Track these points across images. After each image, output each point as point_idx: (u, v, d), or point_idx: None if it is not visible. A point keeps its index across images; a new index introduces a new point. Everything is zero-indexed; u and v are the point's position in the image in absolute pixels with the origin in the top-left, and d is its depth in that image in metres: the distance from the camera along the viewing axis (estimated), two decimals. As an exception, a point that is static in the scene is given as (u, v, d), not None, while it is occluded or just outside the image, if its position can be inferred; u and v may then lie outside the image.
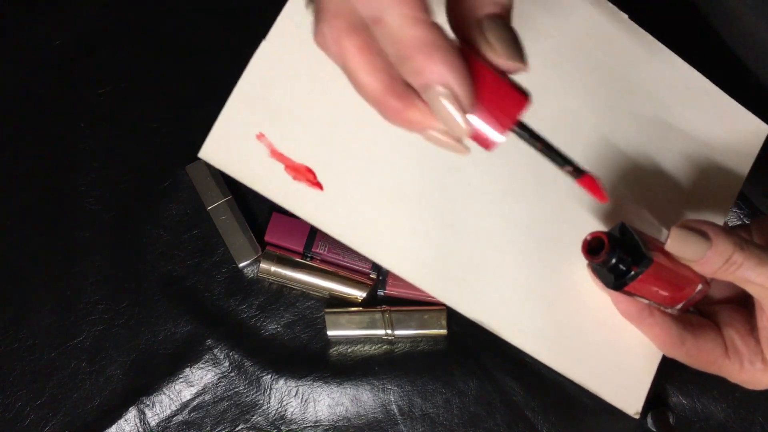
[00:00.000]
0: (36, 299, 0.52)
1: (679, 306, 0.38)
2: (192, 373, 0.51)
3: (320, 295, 0.53)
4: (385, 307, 0.52)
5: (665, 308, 0.38)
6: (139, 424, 0.50)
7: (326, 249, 0.53)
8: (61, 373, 0.50)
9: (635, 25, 0.44)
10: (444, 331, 0.51)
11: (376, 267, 0.52)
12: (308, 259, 0.53)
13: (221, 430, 0.50)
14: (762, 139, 0.45)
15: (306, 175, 0.36)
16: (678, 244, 0.34)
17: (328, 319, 0.51)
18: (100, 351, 0.51)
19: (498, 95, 0.27)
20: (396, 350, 0.52)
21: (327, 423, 0.51)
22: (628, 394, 0.41)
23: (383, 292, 0.53)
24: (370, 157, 0.38)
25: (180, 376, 0.51)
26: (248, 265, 0.53)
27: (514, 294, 0.40)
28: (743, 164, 0.44)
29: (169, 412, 0.50)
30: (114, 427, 0.50)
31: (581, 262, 0.40)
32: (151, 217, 0.54)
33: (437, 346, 0.52)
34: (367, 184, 0.38)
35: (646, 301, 0.38)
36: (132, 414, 0.50)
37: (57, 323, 0.51)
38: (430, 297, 0.52)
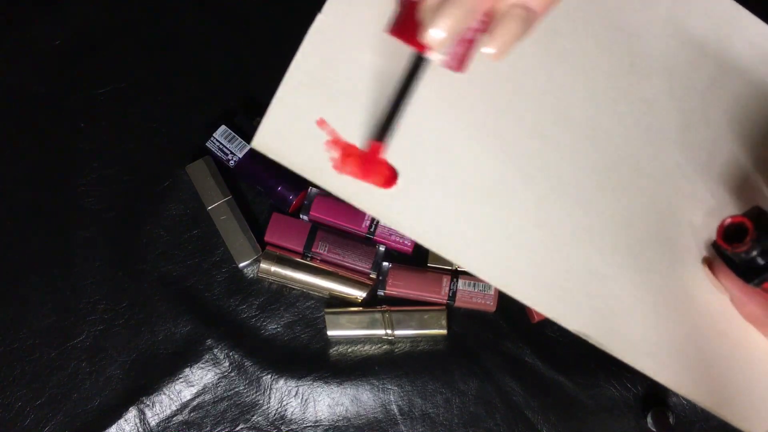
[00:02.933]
0: (36, 299, 0.52)
1: None
2: (192, 373, 0.51)
3: (320, 295, 0.53)
4: (385, 307, 0.52)
5: None
6: (139, 424, 0.50)
7: (326, 249, 0.53)
8: (61, 373, 0.50)
9: None
10: (444, 331, 0.51)
11: (376, 267, 0.52)
12: (308, 259, 0.53)
13: (221, 430, 0.50)
14: None
15: (380, 169, 0.31)
16: None
17: (328, 319, 0.51)
18: (100, 351, 0.51)
19: None
20: (396, 350, 0.52)
21: (327, 423, 0.51)
22: (755, 414, 0.35)
23: (383, 292, 0.53)
24: (447, 148, 0.33)
25: (180, 376, 0.51)
26: (248, 265, 0.53)
27: (621, 303, 0.34)
28: None
29: (169, 412, 0.50)
30: (114, 427, 0.50)
31: (692, 264, 0.35)
32: (151, 217, 0.54)
33: (437, 346, 0.52)
34: (447, 179, 0.33)
35: None
36: (132, 414, 0.50)
37: (57, 323, 0.51)
38: (430, 297, 0.52)
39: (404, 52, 0.30)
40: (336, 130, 0.31)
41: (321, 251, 0.52)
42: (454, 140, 0.33)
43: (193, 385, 0.51)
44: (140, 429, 0.50)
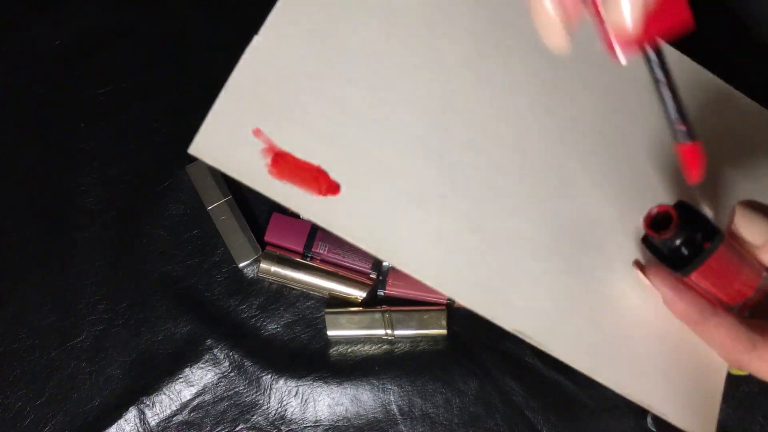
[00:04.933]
0: (36, 299, 0.52)
1: (737, 306, 0.35)
2: (192, 373, 0.51)
3: (320, 295, 0.53)
4: (385, 307, 0.52)
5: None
6: (139, 424, 0.50)
7: (326, 249, 0.53)
8: (61, 373, 0.50)
9: None
10: (444, 331, 0.51)
11: (377, 267, 0.52)
12: (308, 259, 0.53)
13: (221, 430, 0.50)
14: None
15: (315, 176, 0.33)
16: (744, 223, 0.31)
17: (328, 319, 0.51)
18: (100, 351, 0.51)
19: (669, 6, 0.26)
20: (396, 350, 0.52)
21: (327, 423, 0.51)
22: (696, 416, 0.35)
23: (383, 292, 0.53)
24: (383, 157, 0.35)
25: (180, 376, 0.51)
26: (248, 265, 0.53)
27: (556, 305, 0.35)
28: None
29: (169, 412, 0.50)
30: (114, 427, 0.50)
31: (623, 269, 0.36)
32: (151, 217, 0.54)
33: (437, 346, 0.52)
34: (383, 185, 0.35)
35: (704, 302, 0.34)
36: (132, 414, 0.50)
37: (57, 323, 0.51)
38: (430, 297, 0.52)
39: (336, 72, 0.31)
40: (271, 139, 0.33)
41: (321, 251, 0.52)
42: (391, 151, 0.35)
43: (193, 385, 0.51)
44: (140, 429, 0.50)
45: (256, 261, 0.52)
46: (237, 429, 0.50)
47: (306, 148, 0.34)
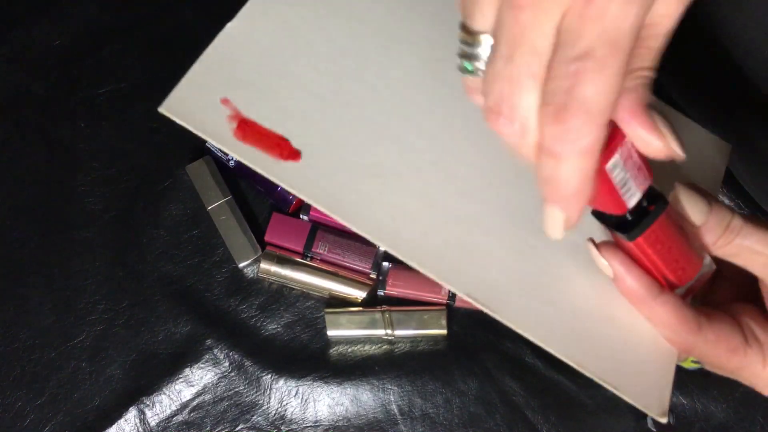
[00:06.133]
0: (36, 299, 0.52)
1: (683, 289, 0.36)
2: (192, 373, 0.51)
3: (320, 295, 0.53)
4: (385, 307, 0.52)
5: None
6: (139, 424, 0.50)
7: (326, 249, 0.53)
8: (61, 373, 0.50)
9: None
10: (444, 331, 0.51)
11: (376, 267, 0.52)
12: (308, 259, 0.53)
13: (221, 430, 0.50)
14: (726, 158, 0.45)
15: (278, 142, 0.36)
16: (685, 202, 0.32)
17: (328, 319, 0.51)
18: (100, 351, 0.51)
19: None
20: (396, 350, 0.52)
21: (327, 423, 0.51)
22: (650, 395, 0.36)
23: (383, 292, 0.53)
24: (344, 134, 0.38)
25: (180, 376, 0.51)
26: (248, 265, 0.53)
27: (508, 278, 0.37)
28: (713, 183, 0.44)
29: (169, 412, 0.50)
30: (114, 427, 0.50)
31: (578, 247, 0.38)
32: (151, 217, 0.54)
33: (437, 346, 0.52)
34: (341, 156, 0.38)
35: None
36: (132, 414, 0.50)
37: (57, 323, 0.51)
38: (430, 297, 0.52)
39: (302, 60, 0.34)
40: (238, 108, 0.36)
41: (321, 251, 0.52)
42: (351, 129, 0.38)
43: (193, 385, 0.51)
44: (140, 429, 0.50)
45: (256, 261, 0.52)
46: (237, 429, 0.50)
47: (271, 120, 0.36)
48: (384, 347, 0.52)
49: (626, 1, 0.23)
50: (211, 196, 0.53)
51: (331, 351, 0.52)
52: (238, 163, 0.53)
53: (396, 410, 0.51)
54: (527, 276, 0.38)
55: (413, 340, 0.52)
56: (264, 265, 0.51)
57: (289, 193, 0.53)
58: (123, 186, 0.54)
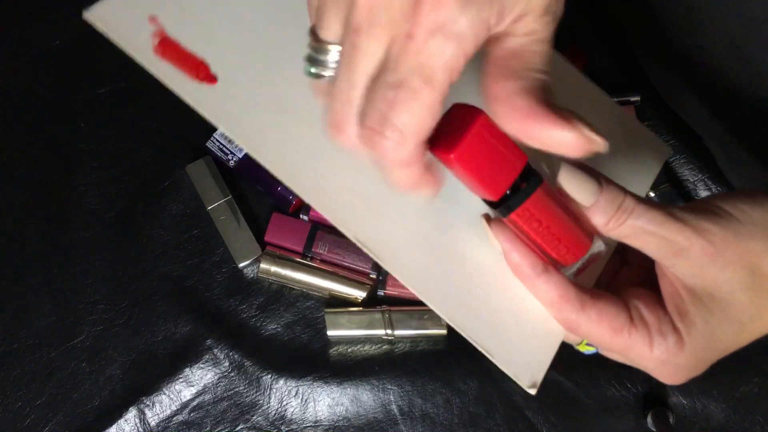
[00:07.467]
0: (36, 299, 0.52)
1: (573, 268, 0.36)
2: (192, 373, 0.51)
3: (320, 295, 0.53)
4: (385, 307, 0.52)
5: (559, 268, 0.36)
6: (139, 424, 0.50)
7: (326, 249, 0.53)
8: (61, 373, 0.50)
9: None
10: (444, 331, 0.51)
11: (376, 267, 0.52)
12: (308, 259, 0.53)
13: (221, 430, 0.50)
14: (663, 160, 0.45)
15: (196, 64, 0.37)
16: (569, 183, 0.32)
17: (328, 319, 0.51)
18: (100, 351, 0.51)
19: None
20: (396, 350, 0.52)
21: (327, 423, 0.51)
22: (524, 366, 0.37)
23: (383, 292, 0.53)
24: (264, 68, 0.38)
25: (180, 376, 0.51)
26: (248, 265, 0.53)
27: (407, 232, 0.38)
28: (643, 182, 0.44)
29: (169, 412, 0.50)
30: (114, 427, 0.50)
31: (475, 221, 0.39)
32: (151, 217, 0.54)
33: (437, 346, 0.52)
34: (257, 88, 0.38)
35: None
36: (132, 414, 0.50)
37: (57, 323, 0.51)
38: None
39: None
40: (164, 27, 0.36)
41: (321, 251, 0.52)
42: (273, 65, 0.38)
43: (193, 385, 0.51)
44: (140, 429, 0.50)
45: (256, 261, 0.52)
46: (237, 429, 0.50)
47: (194, 44, 0.37)
48: (384, 347, 0.52)
49: (444, 41, 0.24)
50: (211, 196, 0.53)
51: (331, 351, 0.52)
52: (239, 163, 0.53)
53: (396, 410, 0.51)
54: (426, 235, 0.38)
55: (413, 340, 0.52)
56: (264, 265, 0.51)
57: (289, 193, 0.53)
58: (123, 186, 0.54)
